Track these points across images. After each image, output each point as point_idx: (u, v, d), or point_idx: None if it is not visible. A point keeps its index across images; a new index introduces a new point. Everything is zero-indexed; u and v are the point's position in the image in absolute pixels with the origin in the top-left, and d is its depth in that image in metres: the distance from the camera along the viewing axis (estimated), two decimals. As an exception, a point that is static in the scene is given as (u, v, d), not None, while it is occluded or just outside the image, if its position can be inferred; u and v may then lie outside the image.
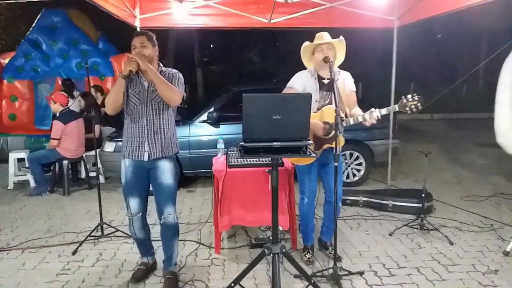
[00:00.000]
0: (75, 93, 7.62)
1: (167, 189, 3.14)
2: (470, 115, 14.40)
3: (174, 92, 3.00)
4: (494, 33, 16.49)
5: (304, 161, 3.45)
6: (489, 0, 4.09)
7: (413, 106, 3.15)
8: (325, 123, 3.32)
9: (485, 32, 18.04)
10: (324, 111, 3.36)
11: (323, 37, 3.39)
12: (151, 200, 3.23)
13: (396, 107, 3.21)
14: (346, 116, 3.38)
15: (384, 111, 3.20)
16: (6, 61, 8.70)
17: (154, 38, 3.11)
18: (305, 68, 3.58)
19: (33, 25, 8.85)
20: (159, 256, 3.47)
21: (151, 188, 3.23)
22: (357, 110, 3.40)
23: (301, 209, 3.66)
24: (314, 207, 3.68)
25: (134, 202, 3.18)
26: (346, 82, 3.46)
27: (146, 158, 3.07)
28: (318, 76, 3.44)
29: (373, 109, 3.21)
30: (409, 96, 3.16)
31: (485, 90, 16.42)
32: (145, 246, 3.44)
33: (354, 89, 3.54)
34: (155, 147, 3.07)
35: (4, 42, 14.83)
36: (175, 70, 3.19)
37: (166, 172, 3.12)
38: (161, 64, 3.18)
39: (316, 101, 3.38)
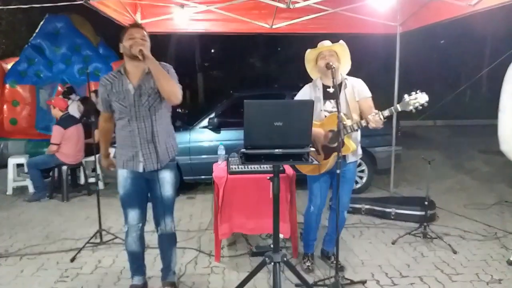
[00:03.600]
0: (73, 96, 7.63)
1: (166, 202, 3.03)
2: (474, 122, 14.36)
3: (176, 87, 2.79)
4: (497, 39, 16.50)
5: (313, 171, 3.41)
6: (491, 7, 4.07)
7: (416, 104, 3.05)
8: (331, 131, 3.29)
9: (488, 38, 18.08)
10: (327, 119, 3.33)
11: (324, 44, 3.37)
12: (149, 207, 3.15)
13: (398, 107, 3.13)
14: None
15: (386, 112, 3.13)
16: (9, 66, 8.74)
17: None
18: (306, 74, 3.56)
19: (36, 30, 8.89)
20: (157, 264, 3.42)
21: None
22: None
23: (307, 217, 3.63)
24: (320, 217, 3.64)
25: (133, 214, 3.01)
26: (355, 90, 3.38)
27: (141, 169, 2.90)
28: (323, 85, 3.41)
29: (376, 111, 3.17)
30: (412, 93, 3.08)
31: (488, 96, 16.39)
32: (138, 261, 3.20)
33: (369, 95, 3.41)
34: (150, 157, 2.89)
35: (6, 47, 14.87)
36: (168, 65, 2.95)
37: (166, 184, 3.00)
38: None
39: (322, 110, 3.36)
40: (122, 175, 2.99)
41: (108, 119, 3.08)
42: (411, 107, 3.08)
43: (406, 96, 3.10)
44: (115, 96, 2.85)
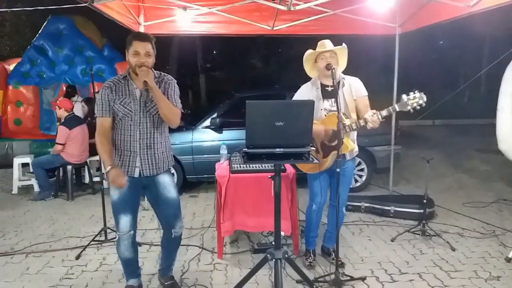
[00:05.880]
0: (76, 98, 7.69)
1: (174, 203, 3.03)
2: (472, 121, 14.36)
3: (176, 114, 2.82)
4: (495, 40, 16.51)
5: (313, 169, 3.46)
6: (490, 8, 4.12)
7: (414, 104, 3.08)
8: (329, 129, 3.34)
9: (486, 39, 18.06)
10: (327, 118, 3.38)
11: (325, 45, 3.38)
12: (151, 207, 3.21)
13: (396, 107, 3.15)
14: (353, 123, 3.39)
15: (384, 112, 3.16)
16: (11, 67, 8.80)
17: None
18: (306, 75, 3.60)
19: (39, 31, 8.94)
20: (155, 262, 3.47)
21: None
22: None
23: (309, 215, 3.67)
24: (321, 214, 3.69)
25: (125, 220, 2.92)
26: (353, 88, 3.42)
27: (136, 175, 2.88)
28: (322, 84, 3.45)
29: (374, 111, 3.22)
30: (410, 93, 3.10)
31: (486, 96, 16.40)
32: (131, 266, 3.14)
33: (365, 93, 3.45)
34: (147, 163, 2.88)
35: (9, 48, 14.95)
36: (170, 77, 2.97)
37: (168, 186, 2.99)
38: (153, 69, 2.88)
39: (322, 109, 3.40)
40: None
41: (106, 125, 2.91)
42: (409, 107, 3.10)
43: (404, 96, 3.12)
44: (120, 99, 2.82)
